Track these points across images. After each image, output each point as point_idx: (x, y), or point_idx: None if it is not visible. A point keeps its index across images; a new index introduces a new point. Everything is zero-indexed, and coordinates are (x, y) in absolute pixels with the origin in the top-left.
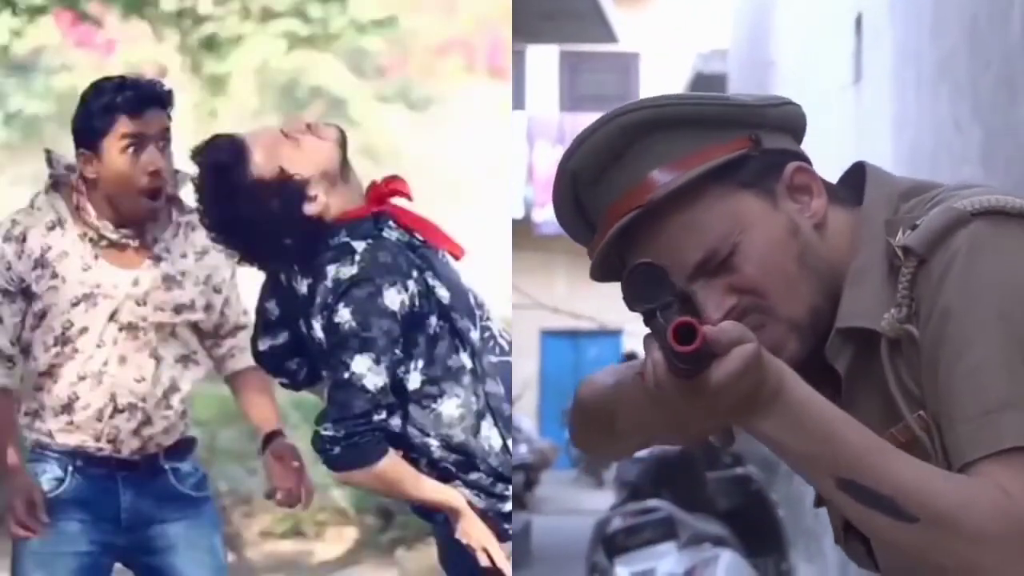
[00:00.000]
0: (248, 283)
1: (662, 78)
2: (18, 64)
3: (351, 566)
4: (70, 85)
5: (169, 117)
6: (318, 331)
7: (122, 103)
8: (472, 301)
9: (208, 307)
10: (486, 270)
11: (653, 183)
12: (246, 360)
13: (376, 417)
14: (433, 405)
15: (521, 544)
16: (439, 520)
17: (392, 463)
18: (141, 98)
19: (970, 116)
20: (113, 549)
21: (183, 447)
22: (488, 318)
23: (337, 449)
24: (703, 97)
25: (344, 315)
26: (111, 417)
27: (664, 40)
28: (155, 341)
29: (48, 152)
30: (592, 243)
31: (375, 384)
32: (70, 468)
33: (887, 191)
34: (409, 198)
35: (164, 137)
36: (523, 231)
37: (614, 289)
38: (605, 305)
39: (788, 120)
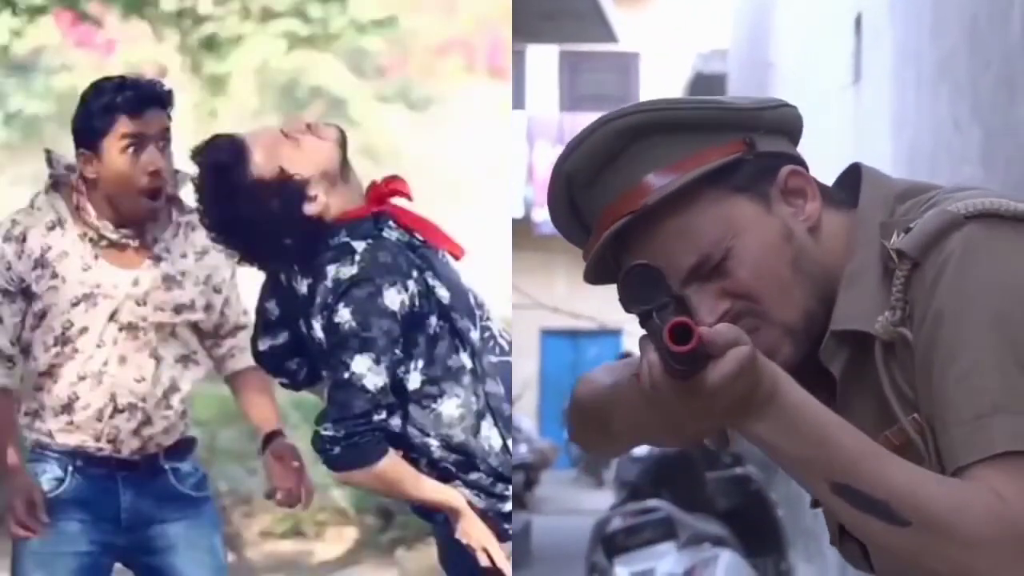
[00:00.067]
0: (248, 283)
1: (662, 78)
2: (18, 64)
3: (351, 566)
4: (70, 85)
5: (169, 117)
6: (318, 331)
7: (122, 103)
8: (472, 301)
9: (208, 307)
10: (486, 270)
11: (648, 187)
12: (246, 360)
13: (376, 417)
14: (433, 405)
15: (521, 544)
16: (439, 520)
17: (392, 463)
18: (141, 98)
19: (970, 116)
20: (113, 549)
21: (183, 447)
22: (488, 318)
23: (337, 449)
24: (698, 101)
25: (344, 315)
26: (111, 417)
27: (664, 40)
28: (155, 341)
29: (48, 152)
30: (587, 246)
31: (375, 384)
32: (70, 468)
33: (883, 193)
34: (409, 198)
35: (164, 137)
36: (523, 231)
37: (614, 289)
38: (605, 305)
39: (784, 123)
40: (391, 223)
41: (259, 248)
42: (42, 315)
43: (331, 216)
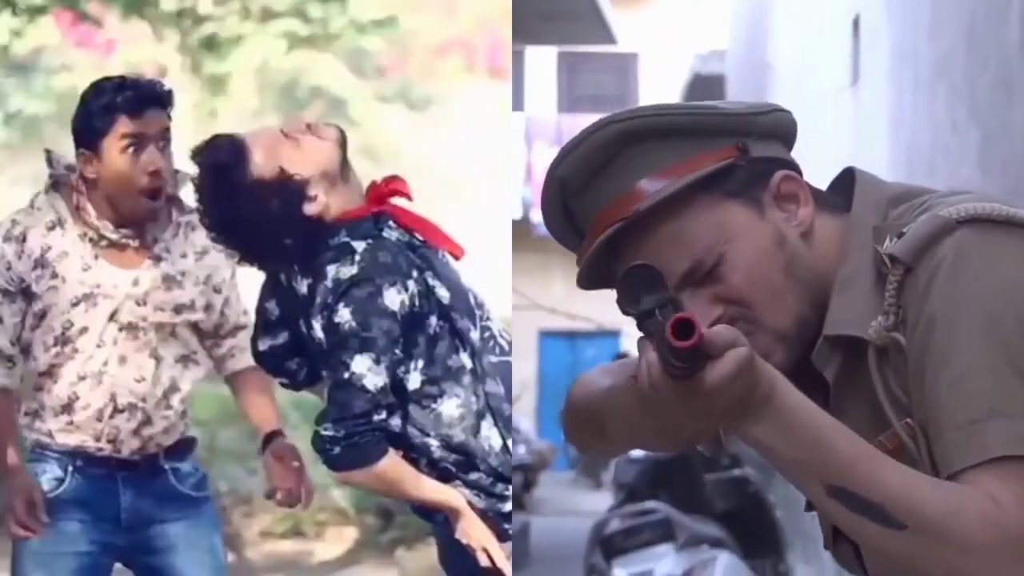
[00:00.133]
0: (248, 283)
1: (660, 79)
2: (18, 64)
3: (351, 566)
4: (70, 85)
5: (169, 117)
6: (318, 331)
7: (122, 103)
8: (472, 301)
9: (208, 307)
10: (486, 270)
11: (641, 192)
12: (246, 360)
13: (376, 417)
14: (433, 405)
15: (519, 545)
16: (439, 520)
17: (392, 463)
18: (141, 98)
19: (967, 117)
20: (113, 549)
21: (183, 447)
22: (488, 318)
23: (337, 449)
24: (691, 106)
25: (344, 315)
26: (111, 417)
27: (662, 41)
28: (155, 341)
29: (48, 152)
30: (579, 251)
31: (375, 384)
32: (70, 468)
33: (876, 197)
34: (409, 198)
35: (164, 137)
36: (521, 232)
37: (612, 290)
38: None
39: (778, 127)
40: (391, 223)
41: (259, 248)
42: (42, 315)
43: (331, 216)
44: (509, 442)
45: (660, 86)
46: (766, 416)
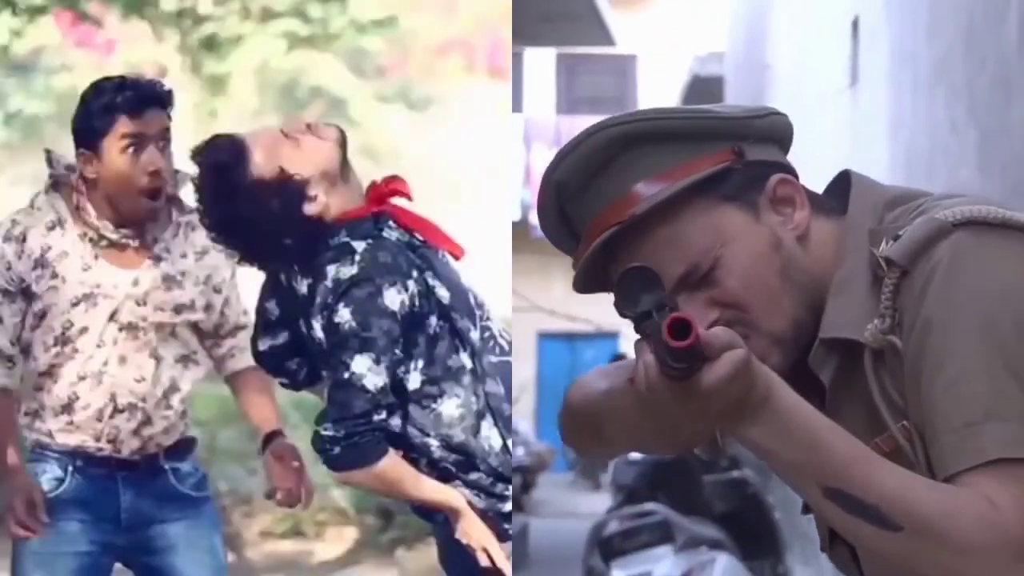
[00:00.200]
0: (248, 283)
1: (659, 81)
2: (18, 64)
3: (351, 566)
4: (70, 85)
5: (169, 117)
6: (318, 331)
7: (122, 103)
8: (472, 301)
9: (208, 307)
10: (486, 270)
11: (637, 196)
12: (246, 360)
13: (376, 417)
14: (433, 405)
15: (518, 547)
16: (439, 520)
17: (392, 463)
18: (141, 98)
19: (966, 118)
20: (113, 549)
21: (183, 447)
22: (488, 318)
23: (337, 449)
24: (688, 110)
25: (344, 315)
26: (111, 417)
27: (661, 43)
28: (155, 341)
29: (48, 152)
30: (576, 255)
31: (375, 384)
32: (70, 468)
33: (872, 200)
34: (409, 198)
35: (164, 137)
36: (520, 234)
37: (608, 293)
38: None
39: (774, 131)
40: (391, 223)
41: (259, 248)
42: (42, 315)
43: (331, 216)
44: (509, 442)
45: (659, 88)
46: (763, 418)
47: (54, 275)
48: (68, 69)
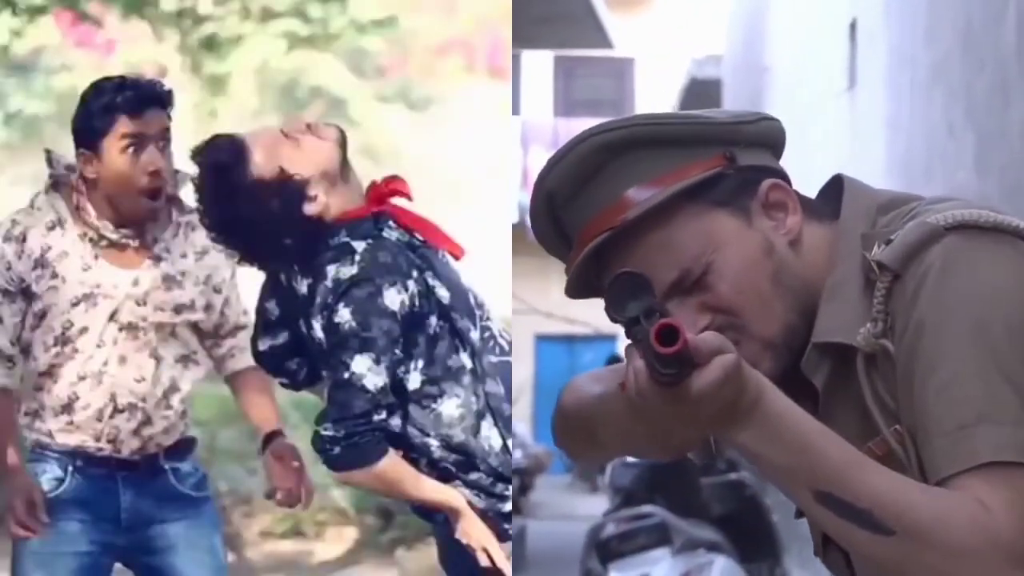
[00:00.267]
0: (248, 283)
1: (657, 83)
2: (18, 64)
3: (351, 566)
4: (70, 85)
5: (169, 117)
6: (318, 331)
7: (122, 103)
8: (472, 301)
9: (208, 307)
10: (486, 270)
11: (629, 202)
12: (246, 360)
13: (376, 417)
14: (433, 405)
15: (516, 549)
16: (439, 520)
17: (392, 463)
18: (141, 98)
19: (964, 120)
20: (113, 549)
21: (183, 447)
22: (488, 318)
23: (337, 449)
24: (680, 115)
25: (344, 315)
26: (111, 417)
27: (659, 45)
28: (155, 341)
29: (48, 152)
30: (568, 260)
31: (375, 384)
32: (70, 468)
33: (864, 204)
34: (409, 198)
35: (164, 137)
36: (517, 236)
37: (601, 299)
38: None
39: (766, 136)
40: (391, 223)
41: (259, 248)
42: (42, 315)
43: (331, 216)
44: (509, 442)
45: (657, 90)
46: (754, 422)
47: (54, 275)
48: (68, 69)
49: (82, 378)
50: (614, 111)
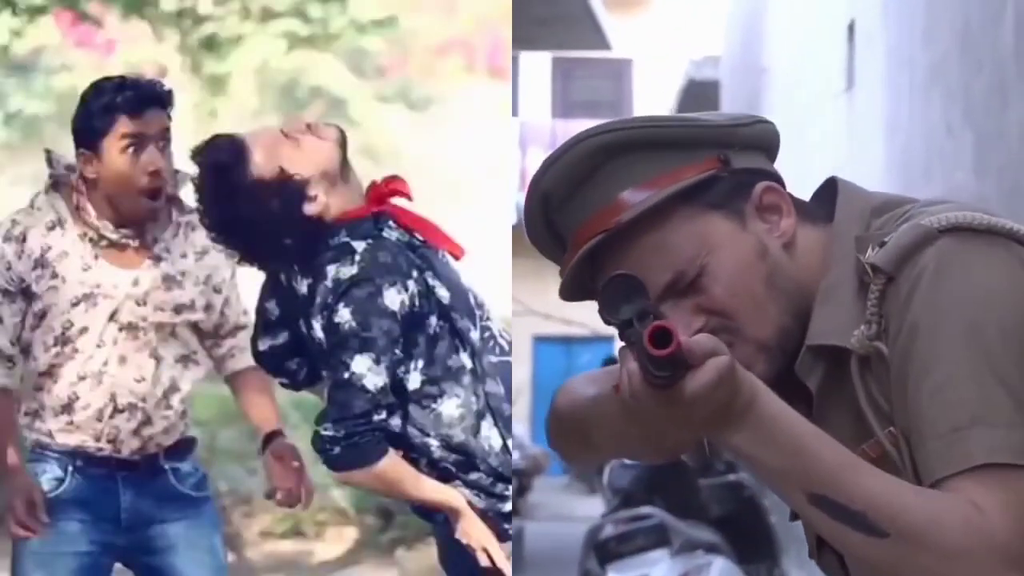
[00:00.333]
0: (248, 283)
1: (655, 85)
2: (18, 64)
3: (351, 566)
4: (70, 85)
5: (169, 117)
6: (318, 331)
7: (122, 103)
8: (472, 301)
9: (208, 307)
10: (486, 270)
11: (623, 204)
12: (246, 360)
13: (376, 417)
14: (433, 405)
15: (514, 550)
16: (439, 520)
17: (392, 463)
18: (141, 98)
19: (962, 121)
20: (113, 549)
21: (183, 447)
22: (488, 318)
23: (337, 449)
24: (673, 118)
25: (344, 315)
26: (111, 417)
27: (657, 47)
28: (155, 341)
29: (48, 152)
30: (562, 262)
31: (375, 384)
32: (70, 468)
33: (859, 207)
34: (409, 198)
35: (164, 137)
36: (515, 237)
37: (595, 301)
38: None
39: (760, 139)
40: (391, 223)
41: (259, 248)
42: (42, 315)
43: (331, 216)
44: (509, 442)
45: (655, 92)
46: (747, 424)
47: (54, 275)
48: (68, 69)
49: (82, 378)
50: (612, 112)
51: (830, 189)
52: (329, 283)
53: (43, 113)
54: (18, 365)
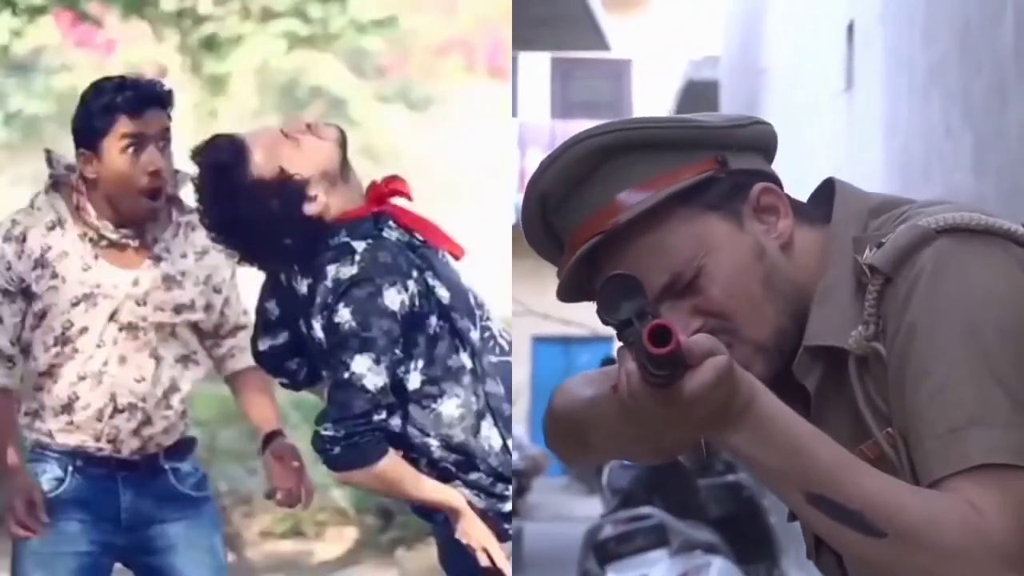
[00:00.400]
0: (248, 283)
1: (654, 85)
2: (18, 64)
3: (351, 566)
4: (70, 85)
5: (169, 117)
6: (318, 331)
7: (122, 103)
8: (472, 301)
9: (208, 307)
10: (486, 270)
11: (620, 205)
12: (246, 360)
13: (376, 417)
14: (433, 405)
15: (514, 550)
16: (439, 520)
17: (392, 463)
18: (141, 98)
19: (961, 121)
20: (113, 549)
21: (183, 447)
22: (488, 318)
23: (337, 449)
24: (671, 119)
25: (344, 315)
26: (111, 417)
27: (656, 47)
28: (155, 341)
29: (48, 152)
30: (560, 263)
31: (375, 384)
32: (70, 468)
33: (856, 208)
34: (409, 198)
35: (164, 137)
36: (516, 237)
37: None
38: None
39: (758, 140)
40: (391, 223)
41: (259, 248)
42: (42, 315)
43: (331, 216)
44: (509, 442)
45: (654, 92)
46: (745, 424)
47: (54, 275)
48: (68, 69)
49: (82, 378)
50: (611, 113)
51: (827, 190)
52: (329, 283)
53: (43, 113)
54: (18, 365)
